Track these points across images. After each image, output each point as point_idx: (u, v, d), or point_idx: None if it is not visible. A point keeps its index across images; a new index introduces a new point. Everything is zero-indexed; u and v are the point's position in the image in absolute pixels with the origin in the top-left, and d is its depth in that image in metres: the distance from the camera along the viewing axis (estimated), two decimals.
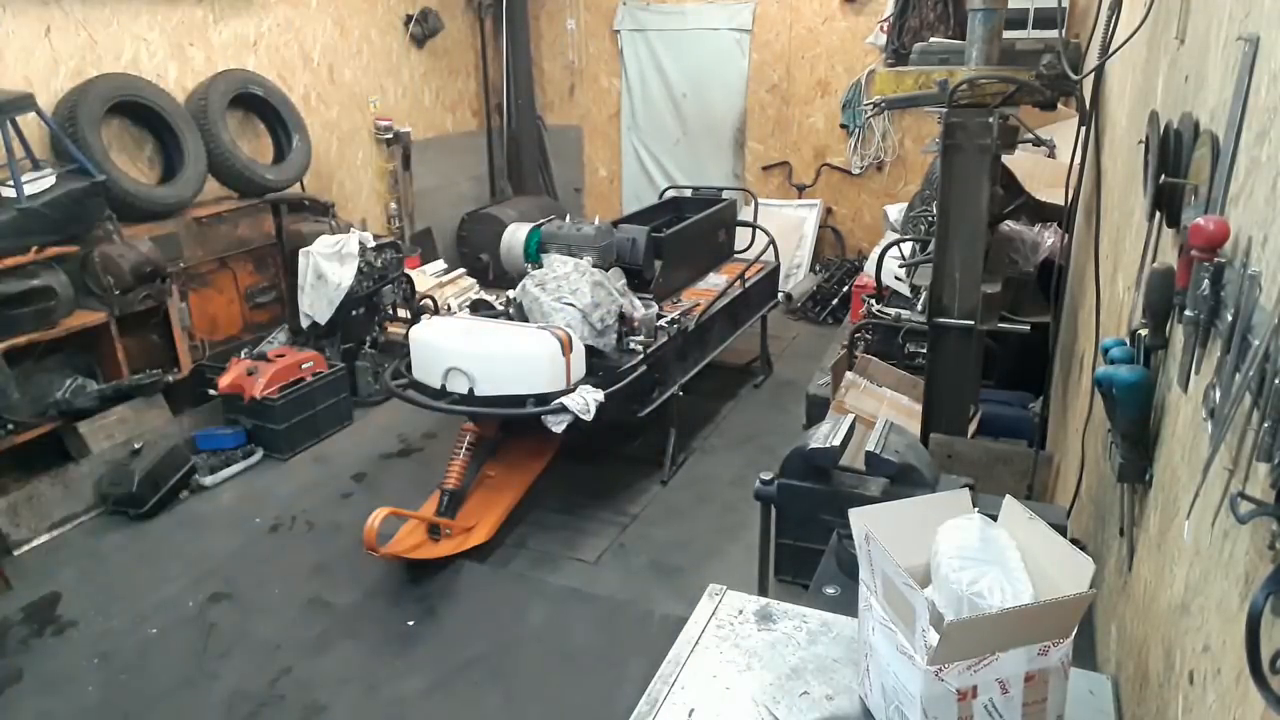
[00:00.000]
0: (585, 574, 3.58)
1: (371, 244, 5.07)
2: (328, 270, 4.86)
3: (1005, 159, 3.03)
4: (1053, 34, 3.03)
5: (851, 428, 2.05)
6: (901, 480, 1.86)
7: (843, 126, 6.95)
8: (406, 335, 3.79)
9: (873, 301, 4.22)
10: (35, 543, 3.80)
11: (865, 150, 6.93)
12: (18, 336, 3.77)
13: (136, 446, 4.10)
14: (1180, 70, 1.46)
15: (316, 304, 4.90)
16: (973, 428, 3.06)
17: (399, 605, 3.33)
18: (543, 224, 4.54)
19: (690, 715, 1.25)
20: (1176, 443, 1.17)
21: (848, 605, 1.47)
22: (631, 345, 3.96)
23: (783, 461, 2.03)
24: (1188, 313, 0.98)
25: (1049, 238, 3.59)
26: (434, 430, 4.78)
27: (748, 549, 3.53)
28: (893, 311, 4.03)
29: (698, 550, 3.74)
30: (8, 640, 3.21)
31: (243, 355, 4.69)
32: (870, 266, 4.53)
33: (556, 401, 3.46)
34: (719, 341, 4.79)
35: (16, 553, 3.71)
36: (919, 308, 3.74)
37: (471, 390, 3.53)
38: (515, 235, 4.51)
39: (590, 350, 3.77)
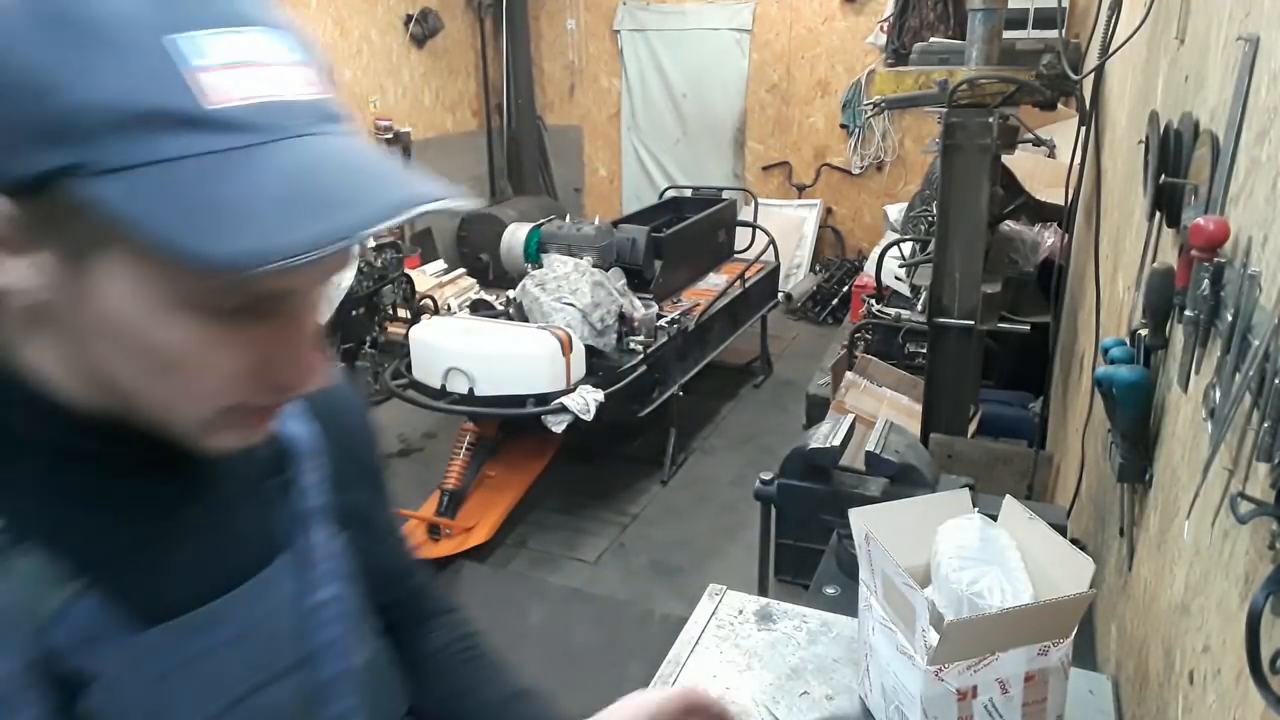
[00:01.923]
0: (585, 574, 3.58)
1: (371, 244, 5.07)
2: None
3: (1005, 159, 3.03)
4: (1053, 34, 3.03)
5: (851, 428, 2.05)
6: (901, 480, 1.86)
7: (843, 126, 6.96)
8: (406, 335, 3.79)
9: (873, 301, 4.22)
10: None
11: (865, 150, 6.93)
12: None
13: None
14: (1180, 70, 1.46)
15: None
16: (973, 428, 3.06)
17: None
18: (543, 224, 4.55)
19: None
20: (1176, 443, 1.17)
21: (848, 605, 1.47)
22: (631, 345, 3.96)
23: (783, 461, 2.03)
24: (1188, 313, 0.98)
25: (1049, 238, 3.59)
26: (434, 430, 4.78)
27: (748, 549, 3.53)
28: (893, 311, 4.04)
29: (698, 550, 3.74)
30: None
31: None
32: (870, 266, 4.54)
33: (556, 401, 3.46)
34: (719, 341, 4.79)
35: None
36: (919, 308, 3.74)
37: (471, 390, 3.53)
38: (515, 235, 4.51)
39: (590, 350, 3.77)
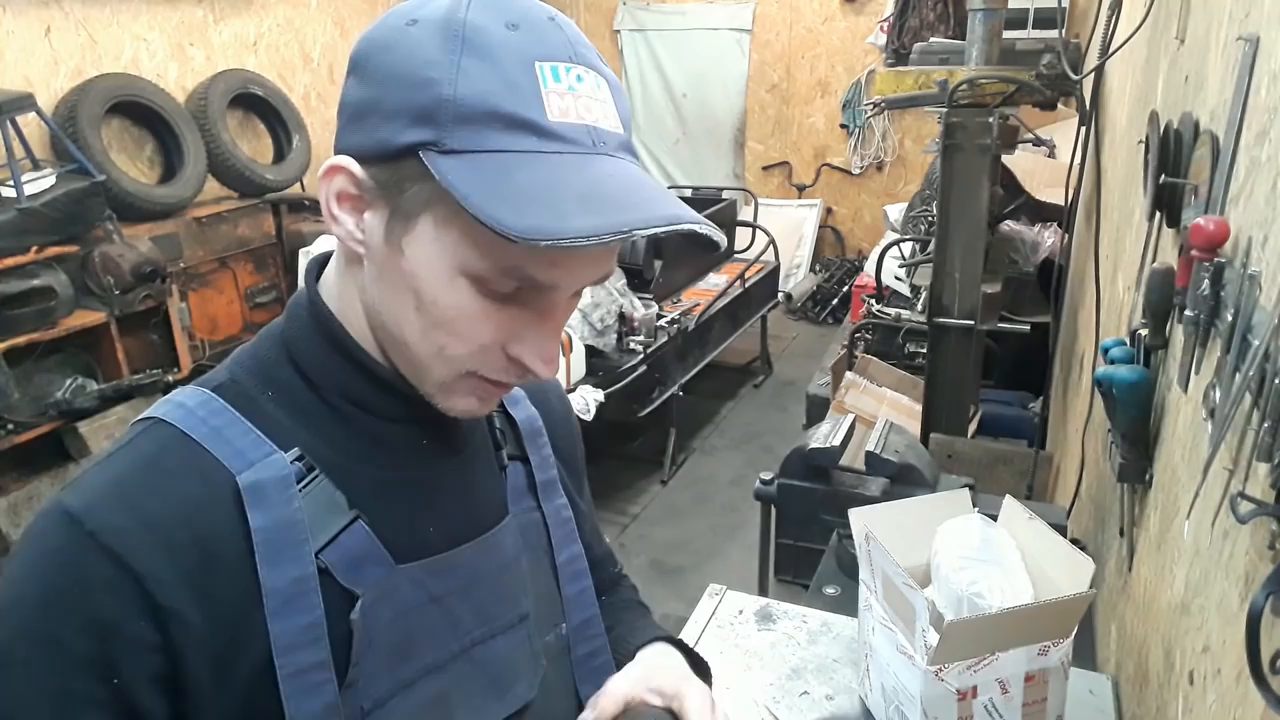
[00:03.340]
0: None
1: None
2: None
3: (1005, 159, 3.03)
4: (1053, 34, 3.03)
5: (851, 428, 2.04)
6: (901, 480, 1.86)
7: (843, 126, 6.95)
8: None
9: (873, 301, 4.22)
10: None
11: (865, 150, 6.92)
12: (18, 336, 3.77)
13: None
14: (1180, 70, 1.46)
15: None
16: (973, 428, 3.06)
17: None
18: None
19: None
20: (1176, 443, 1.17)
21: (848, 605, 1.47)
22: (631, 345, 3.96)
23: (783, 461, 2.03)
24: (1188, 313, 0.98)
25: (1049, 238, 3.59)
26: None
27: (748, 549, 3.53)
28: (893, 311, 4.03)
29: (698, 550, 3.74)
30: None
31: None
32: (870, 266, 4.54)
33: None
34: (719, 341, 4.79)
35: None
36: (919, 308, 3.74)
37: None
38: None
39: (590, 350, 3.77)
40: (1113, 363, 1.33)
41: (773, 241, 5.34)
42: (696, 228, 0.60)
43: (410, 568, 0.69)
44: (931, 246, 2.92)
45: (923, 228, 3.86)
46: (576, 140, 0.60)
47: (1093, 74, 2.57)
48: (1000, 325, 3.00)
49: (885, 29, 6.14)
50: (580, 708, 0.86)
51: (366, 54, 0.62)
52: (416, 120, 0.58)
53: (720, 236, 0.62)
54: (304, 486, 0.65)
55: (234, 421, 0.66)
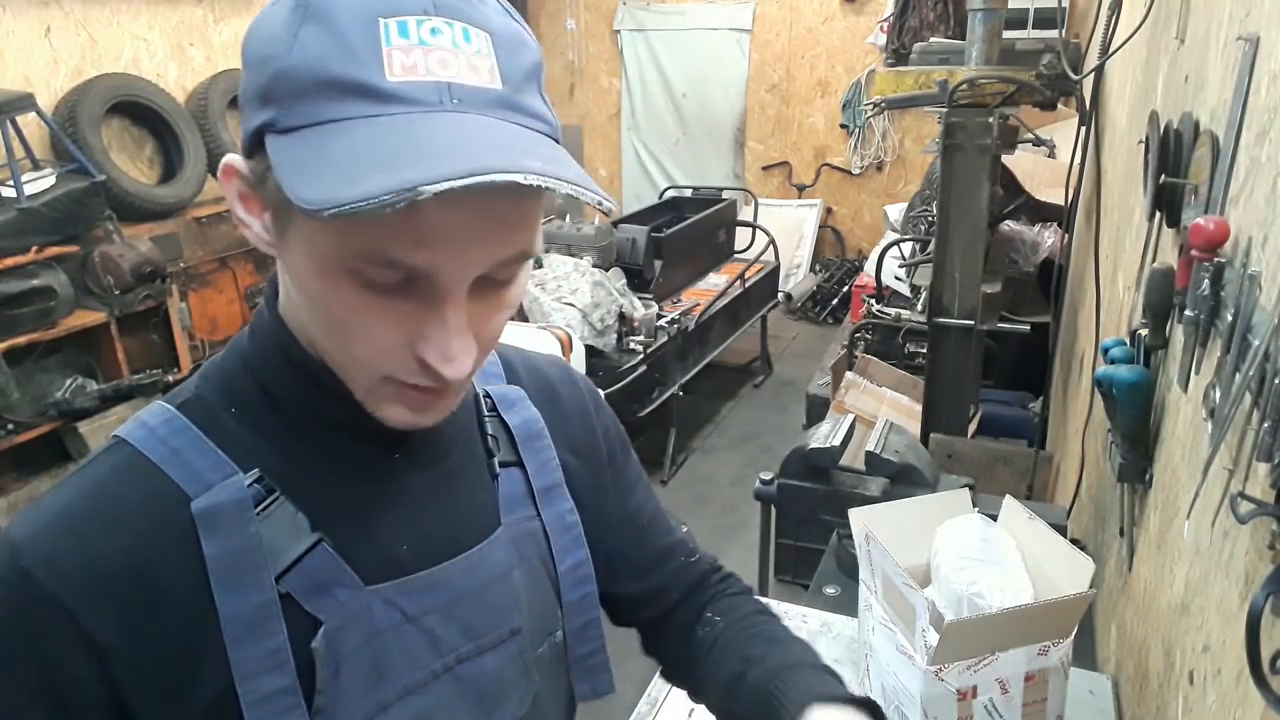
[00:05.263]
0: None
1: None
2: None
3: (1005, 159, 3.03)
4: (1053, 34, 3.03)
5: (851, 428, 2.05)
6: (901, 480, 1.87)
7: (843, 126, 6.95)
8: None
9: (873, 301, 4.22)
10: None
11: (865, 150, 6.92)
12: (18, 336, 3.77)
13: None
14: (1180, 70, 1.46)
15: None
16: (973, 428, 3.06)
17: None
18: (543, 224, 4.54)
19: (690, 715, 1.26)
20: (1176, 443, 1.17)
21: (848, 605, 1.47)
22: (631, 345, 3.96)
23: (783, 461, 2.03)
24: (1188, 313, 0.98)
25: (1049, 238, 3.59)
26: None
27: (748, 549, 3.53)
28: (893, 311, 4.03)
29: None
30: None
31: None
32: (870, 266, 4.54)
33: None
34: (719, 341, 4.79)
35: None
36: (919, 308, 3.74)
37: None
38: None
39: (590, 350, 3.77)
40: (1113, 363, 1.33)
41: (773, 241, 5.34)
42: (517, 177, 0.49)
43: (382, 589, 0.66)
44: (931, 246, 2.92)
45: (923, 228, 3.86)
46: (419, 100, 0.52)
47: (1093, 74, 2.57)
48: (1000, 325, 3.01)
49: (885, 29, 6.14)
50: (574, 707, 0.84)
51: (244, 43, 0.58)
52: (263, 102, 0.54)
53: (567, 187, 0.51)
54: (263, 509, 0.62)
55: (195, 441, 0.63)
